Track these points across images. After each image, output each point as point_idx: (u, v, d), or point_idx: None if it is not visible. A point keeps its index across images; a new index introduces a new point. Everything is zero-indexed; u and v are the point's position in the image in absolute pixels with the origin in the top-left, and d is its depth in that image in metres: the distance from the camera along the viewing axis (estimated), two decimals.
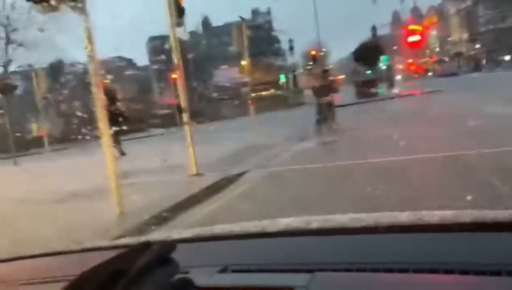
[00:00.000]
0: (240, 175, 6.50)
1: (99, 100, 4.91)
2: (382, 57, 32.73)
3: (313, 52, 30.97)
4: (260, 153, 8.55)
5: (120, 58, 58.92)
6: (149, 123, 24.86)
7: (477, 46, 57.06)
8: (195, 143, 7.21)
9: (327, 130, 11.41)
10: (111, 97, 15.08)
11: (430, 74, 60.71)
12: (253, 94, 24.62)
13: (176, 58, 7.31)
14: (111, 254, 0.57)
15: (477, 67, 54.79)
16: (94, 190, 6.14)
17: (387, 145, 7.32)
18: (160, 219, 4.37)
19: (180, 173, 6.97)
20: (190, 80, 37.30)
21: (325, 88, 11.88)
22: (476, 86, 24.37)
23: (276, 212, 3.88)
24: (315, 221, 1.03)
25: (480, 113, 9.79)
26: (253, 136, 11.89)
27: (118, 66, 53.67)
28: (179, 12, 7.90)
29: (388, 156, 6.29)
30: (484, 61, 61.90)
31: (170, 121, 23.88)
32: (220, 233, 1.12)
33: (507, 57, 63.45)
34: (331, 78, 13.32)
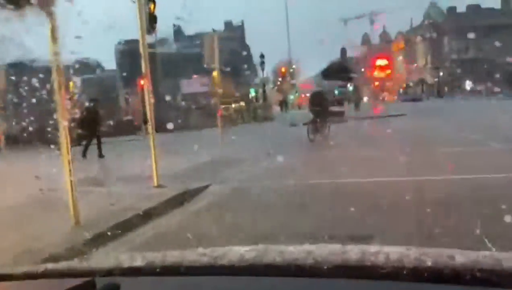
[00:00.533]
0: (202, 189, 6.36)
1: (61, 103, 4.70)
2: (347, 79, 33.49)
3: (283, 69, 31.34)
4: (226, 167, 8.44)
5: (87, 60, 57.66)
6: (112, 129, 24.26)
7: (441, 74, 59.47)
8: (160, 154, 7.04)
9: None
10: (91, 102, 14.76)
11: (395, 97, 62.57)
12: (222, 106, 24.57)
13: (144, 65, 7.17)
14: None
15: (439, 94, 56.98)
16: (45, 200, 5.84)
17: (354, 167, 7.39)
18: (112, 234, 4.16)
19: (140, 183, 6.77)
20: (158, 88, 36.83)
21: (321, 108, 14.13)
22: (437, 113, 25.31)
23: (231, 232, 3.79)
24: (271, 252, 0.97)
25: (433, 145, 10.04)
26: (220, 149, 11.78)
27: (84, 69, 52.41)
28: (151, 19, 7.77)
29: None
30: (446, 89, 64.49)
31: (135, 128, 23.43)
32: (167, 265, 1.02)
33: (468, 86, 66.44)
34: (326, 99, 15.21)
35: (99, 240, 4.03)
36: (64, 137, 4.69)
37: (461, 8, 72.82)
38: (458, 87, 65.43)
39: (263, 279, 0.92)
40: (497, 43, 69.65)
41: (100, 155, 12.89)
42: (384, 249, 0.93)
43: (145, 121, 7.47)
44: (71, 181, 4.67)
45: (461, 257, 0.86)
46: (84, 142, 12.94)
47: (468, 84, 64.40)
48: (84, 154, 12.52)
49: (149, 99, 7.20)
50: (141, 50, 7.18)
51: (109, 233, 4.16)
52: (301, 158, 9.61)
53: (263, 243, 1.04)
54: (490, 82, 60.92)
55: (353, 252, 0.94)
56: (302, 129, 19.45)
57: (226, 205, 5.51)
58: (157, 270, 1.00)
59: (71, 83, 34.16)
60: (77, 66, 42.06)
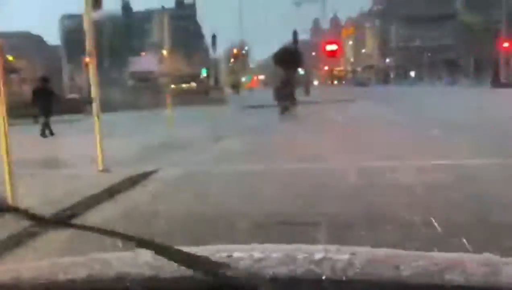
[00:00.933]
0: (150, 173, 6.15)
1: None
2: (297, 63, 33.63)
3: (235, 50, 31.02)
4: (176, 150, 8.24)
5: (27, 34, 54.24)
6: (55, 108, 23.04)
7: (387, 60, 61.46)
8: (106, 135, 6.72)
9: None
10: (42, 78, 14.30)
11: (343, 82, 64.06)
12: (173, 86, 23.96)
13: (89, 42, 6.77)
14: None
15: (386, 80, 58.92)
16: None
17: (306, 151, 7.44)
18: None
19: (83, 167, 6.45)
20: (104, 65, 35.37)
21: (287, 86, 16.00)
22: (383, 97, 26.20)
23: (179, 220, 3.67)
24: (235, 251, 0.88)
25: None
26: (170, 131, 11.50)
27: (25, 43, 49.28)
28: None
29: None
30: (392, 75, 66.82)
31: (80, 107, 22.39)
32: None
33: (412, 73, 69.19)
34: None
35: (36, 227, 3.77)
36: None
37: None
38: (403, 73, 67.92)
39: None
40: (441, 32, 72.82)
41: (43, 134, 12.48)
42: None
43: (90, 100, 7.11)
44: (8, 163, 4.36)
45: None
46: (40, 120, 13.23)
47: (413, 71, 67.03)
48: (43, 133, 12.45)
49: (94, 77, 6.84)
50: (85, 25, 6.78)
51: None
52: (253, 141, 9.56)
53: (205, 236, 0.95)
54: (433, 70, 63.72)
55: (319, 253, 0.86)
56: (255, 112, 19.52)
57: (174, 192, 5.34)
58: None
59: (10, 58, 32.00)
60: (15, 40, 39.44)
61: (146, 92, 33.93)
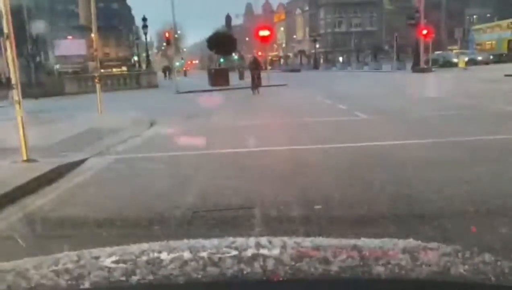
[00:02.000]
0: (78, 163, 6.00)
1: None
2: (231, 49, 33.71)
3: (167, 34, 30.24)
4: (106, 137, 8.05)
5: None
6: None
7: (317, 46, 63.20)
8: (31, 123, 6.43)
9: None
10: None
11: (277, 68, 64.93)
12: (102, 70, 22.99)
13: (6, 23, 6.36)
14: None
15: (316, 65, 60.51)
16: None
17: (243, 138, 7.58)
18: None
19: (6, 157, 6.15)
20: (26, 49, 33.01)
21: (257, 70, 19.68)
22: (314, 83, 27.05)
23: (104, 216, 3.68)
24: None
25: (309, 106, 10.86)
26: (98, 118, 11.16)
27: None
28: None
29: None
30: (321, 60, 68.73)
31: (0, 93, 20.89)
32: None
33: (341, 58, 71.61)
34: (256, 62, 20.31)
35: None
36: None
37: None
38: (332, 59, 70.12)
39: None
40: (366, 19, 75.88)
41: None
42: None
43: (10, 86, 6.73)
44: None
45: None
46: None
47: (341, 56, 69.39)
48: None
49: (13, 62, 6.46)
50: (1, 5, 6.36)
51: None
52: (184, 127, 9.57)
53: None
54: (360, 55, 66.40)
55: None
56: (188, 97, 19.34)
57: (104, 182, 5.27)
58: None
59: None
60: None
61: (74, 77, 32.29)
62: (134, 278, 0.75)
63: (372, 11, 76.61)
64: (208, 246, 0.92)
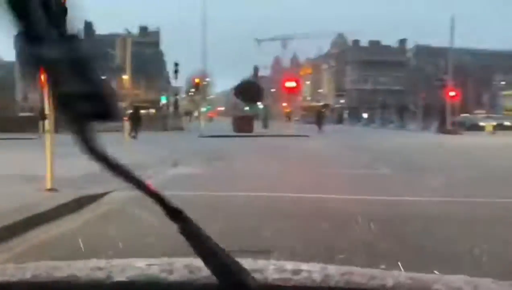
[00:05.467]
0: (101, 195, 6.04)
1: None
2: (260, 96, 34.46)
3: (197, 80, 31.24)
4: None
5: None
6: (6, 127, 22.10)
7: (342, 101, 63.77)
8: (59, 154, 6.56)
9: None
10: None
11: (299, 119, 65.61)
12: (130, 111, 23.69)
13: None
14: None
15: (339, 120, 60.83)
16: None
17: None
18: None
19: (31, 185, 6.23)
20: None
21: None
22: (338, 137, 27.08)
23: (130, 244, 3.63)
24: (178, 266, 0.86)
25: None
26: (125, 154, 11.32)
27: None
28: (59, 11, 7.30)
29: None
30: (346, 115, 69.20)
31: (33, 125, 21.65)
32: (52, 280, 0.85)
33: (365, 115, 71.96)
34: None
35: None
36: None
37: (364, 43, 79.25)
38: (357, 115, 70.48)
39: None
40: (392, 77, 76.74)
41: None
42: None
43: (43, 117, 6.94)
44: None
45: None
46: None
47: (365, 113, 69.72)
48: None
49: (47, 94, 6.70)
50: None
51: None
52: (206, 169, 9.61)
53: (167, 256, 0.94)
54: (384, 112, 66.63)
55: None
56: (212, 141, 19.57)
57: (126, 214, 5.25)
58: (40, 285, 0.83)
59: None
60: None
61: None
62: None
63: (398, 71, 77.57)
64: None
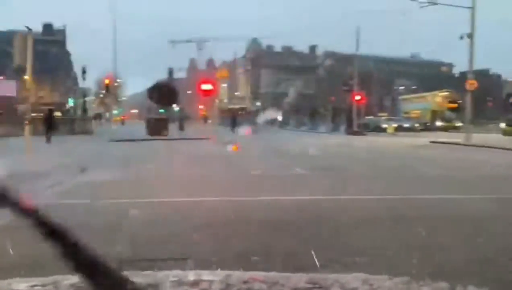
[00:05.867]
0: None
1: None
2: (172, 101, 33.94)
3: (107, 81, 29.86)
4: (31, 181, 7.49)
5: None
6: None
7: (258, 103, 65.12)
8: None
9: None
10: None
11: (215, 122, 65.74)
12: (34, 114, 21.92)
13: None
14: None
15: (254, 122, 61.94)
16: None
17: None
18: None
19: None
20: None
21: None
22: (254, 139, 27.53)
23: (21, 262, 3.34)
24: None
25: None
26: (25, 161, 10.45)
27: None
28: None
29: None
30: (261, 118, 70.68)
31: None
32: None
33: (280, 118, 74.07)
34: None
35: None
36: None
37: (277, 48, 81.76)
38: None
39: None
40: (304, 82, 79.98)
41: None
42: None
43: None
44: None
45: None
46: None
47: (279, 116, 71.85)
48: None
49: None
50: None
51: None
52: (116, 174, 9.19)
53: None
54: (298, 115, 69.15)
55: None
56: (123, 145, 18.78)
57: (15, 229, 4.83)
58: None
59: None
60: None
61: (1, 119, 30.44)
62: None
63: (310, 75, 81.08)
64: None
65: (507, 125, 28.97)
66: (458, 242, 4.28)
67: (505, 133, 26.99)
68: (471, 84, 22.04)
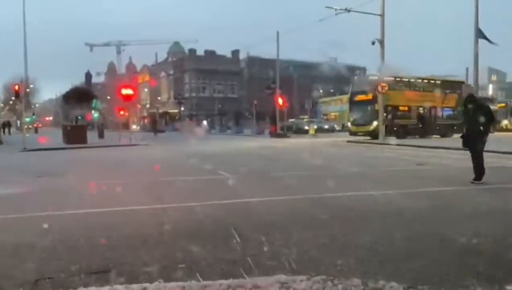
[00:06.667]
0: None
1: None
2: (93, 103, 32.47)
3: (17, 87, 27.65)
4: None
5: None
6: None
7: (182, 108, 64.24)
8: None
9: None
10: None
11: (138, 127, 63.89)
12: None
13: None
14: None
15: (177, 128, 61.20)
16: None
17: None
18: None
19: None
20: None
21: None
22: (177, 142, 27.15)
23: None
24: None
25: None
26: None
27: None
28: None
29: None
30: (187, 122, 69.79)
31: None
32: None
33: (205, 122, 73.71)
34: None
35: None
36: None
37: (200, 52, 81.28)
38: (197, 121, 71.79)
39: None
40: (228, 86, 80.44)
41: None
42: None
43: None
44: None
45: None
46: None
47: (205, 120, 71.53)
48: None
49: None
50: None
51: None
52: (30, 187, 8.59)
53: None
54: (222, 119, 69.27)
55: None
56: (38, 155, 17.56)
57: None
58: None
59: None
60: None
61: None
62: None
63: (234, 80, 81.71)
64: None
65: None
66: (360, 238, 4.57)
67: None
68: (383, 86, 23.74)
